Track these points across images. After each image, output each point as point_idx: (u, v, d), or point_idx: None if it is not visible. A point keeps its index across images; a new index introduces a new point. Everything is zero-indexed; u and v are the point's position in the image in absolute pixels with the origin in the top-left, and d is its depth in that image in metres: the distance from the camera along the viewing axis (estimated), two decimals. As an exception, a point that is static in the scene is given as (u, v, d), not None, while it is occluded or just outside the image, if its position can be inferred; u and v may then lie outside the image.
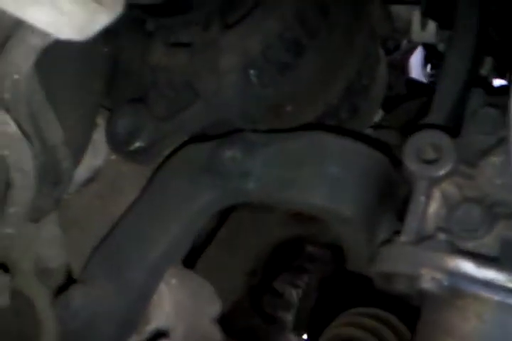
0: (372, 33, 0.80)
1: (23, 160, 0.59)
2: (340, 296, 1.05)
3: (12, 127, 0.57)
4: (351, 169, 0.64)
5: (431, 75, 1.54)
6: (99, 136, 0.83)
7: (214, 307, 0.76)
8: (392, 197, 0.64)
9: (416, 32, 0.85)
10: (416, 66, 1.48)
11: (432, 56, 1.47)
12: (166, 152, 0.77)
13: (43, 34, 0.49)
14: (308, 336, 1.13)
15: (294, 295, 1.08)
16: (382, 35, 0.83)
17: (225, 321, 0.78)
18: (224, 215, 0.89)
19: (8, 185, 0.61)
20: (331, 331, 0.96)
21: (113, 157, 0.83)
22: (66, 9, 0.45)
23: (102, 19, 0.47)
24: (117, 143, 0.78)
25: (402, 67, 1.20)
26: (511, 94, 0.52)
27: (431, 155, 0.56)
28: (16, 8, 0.45)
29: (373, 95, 0.83)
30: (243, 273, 0.92)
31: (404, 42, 1.21)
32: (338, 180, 0.63)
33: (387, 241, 0.58)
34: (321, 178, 0.64)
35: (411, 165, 0.56)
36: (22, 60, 0.53)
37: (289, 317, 1.07)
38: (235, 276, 0.91)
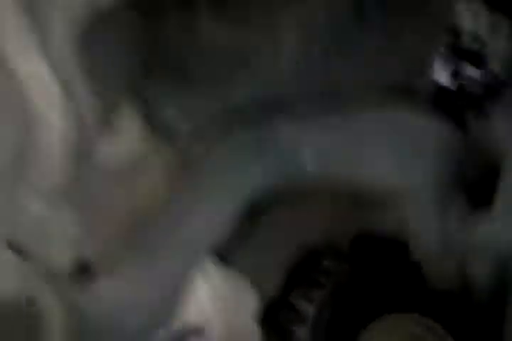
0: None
1: None
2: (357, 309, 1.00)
3: None
4: (422, 145, 0.61)
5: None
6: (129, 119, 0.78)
7: (253, 303, 0.69)
8: (463, 179, 0.61)
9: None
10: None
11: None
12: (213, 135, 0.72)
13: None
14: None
15: (309, 309, 1.03)
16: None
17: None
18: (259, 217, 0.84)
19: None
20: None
21: (144, 140, 0.79)
22: None
23: None
24: (157, 126, 0.73)
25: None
26: None
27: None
28: None
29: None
30: (279, 274, 0.86)
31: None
32: (408, 155, 0.60)
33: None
34: (388, 153, 0.61)
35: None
36: None
37: (304, 331, 1.02)
38: (269, 276, 0.85)
